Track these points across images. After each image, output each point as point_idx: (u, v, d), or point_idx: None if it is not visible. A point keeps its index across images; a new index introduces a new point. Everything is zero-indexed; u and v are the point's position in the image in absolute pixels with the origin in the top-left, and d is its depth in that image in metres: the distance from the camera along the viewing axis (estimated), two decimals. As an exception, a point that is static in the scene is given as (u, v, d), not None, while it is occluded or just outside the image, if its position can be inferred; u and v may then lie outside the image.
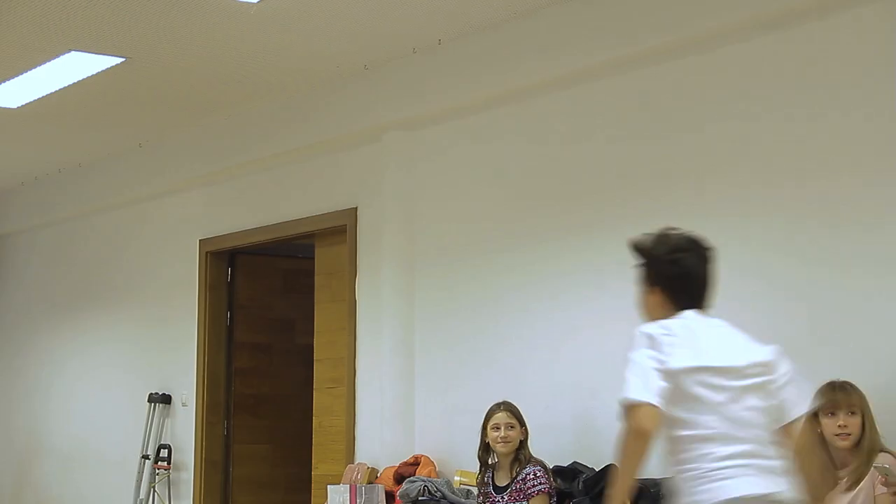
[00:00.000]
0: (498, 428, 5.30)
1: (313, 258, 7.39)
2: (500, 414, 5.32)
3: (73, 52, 6.43)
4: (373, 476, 6.45)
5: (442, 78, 6.36)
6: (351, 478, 6.48)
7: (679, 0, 5.26)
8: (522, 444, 5.27)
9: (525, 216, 5.99)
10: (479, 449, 5.40)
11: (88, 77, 6.86)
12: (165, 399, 8.25)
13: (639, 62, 5.47)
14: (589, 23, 5.62)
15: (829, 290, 4.71)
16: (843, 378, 4.27)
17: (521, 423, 5.30)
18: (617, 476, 3.36)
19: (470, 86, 6.21)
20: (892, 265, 4.53)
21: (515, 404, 5.39)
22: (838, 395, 4.20)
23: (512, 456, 5.26)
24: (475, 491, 5.59)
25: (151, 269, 8.71)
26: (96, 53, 6.47)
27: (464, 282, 6.29)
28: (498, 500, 5.21)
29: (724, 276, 5.05)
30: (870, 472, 4.04)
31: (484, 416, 5.42)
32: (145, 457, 8.27)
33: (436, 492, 5.78)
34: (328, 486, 6.31)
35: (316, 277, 7.33)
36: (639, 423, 3.22)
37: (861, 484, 4.07)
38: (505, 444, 5.28)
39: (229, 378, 8.08)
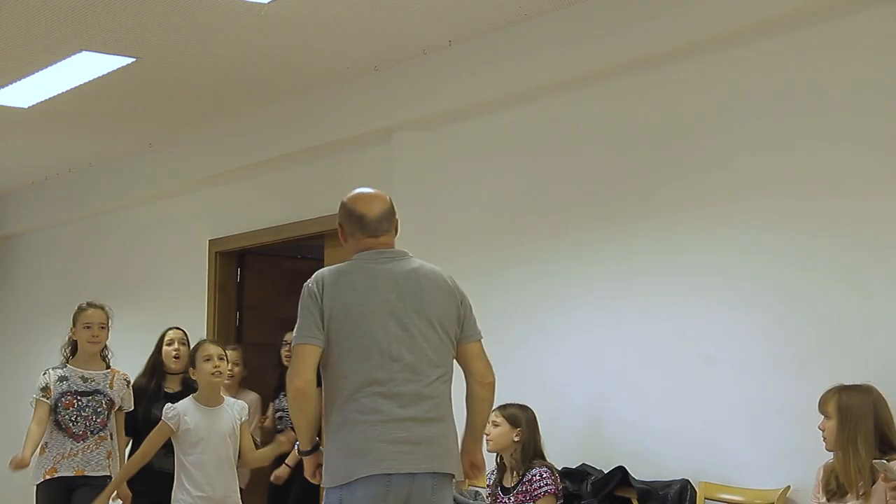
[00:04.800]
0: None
1: (322, 259, 7.39)
2: (492, 412, 5.33)
3: (83, 52, 6.45)
4: (381, 477, 6.43)
5: (452, 78, 6.36)
6: (359, 478, 6.45)
7: (691, 4, 5.25)
8: (517, 446, 5.24)
9: (535, 217, 5.99)
10: None
11: (99, 77, 6.87)
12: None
13: (650, 64, 5.46)
14: (599, 24, 5.62)
15: (838, 300, 4.70)
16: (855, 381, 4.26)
17: (514, 425, 5.25)
18: None
19: (480, 86, 6.21)
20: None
21: (527, 406, 5.35)
22: (820, 399, 4.23)
23: (511, 459, 5.25)
24: (484, 492, 5.59)
25: (161, 269, 8.73)
26: (107, 53, 6.48)
27: (473, 282, 6.26)
28: (505, 501, 5.20)
29: (737, 288, 5.07)
30: (881, 477, 4.03)
31: None
32: (154, 456, 8.22)
33: (444, 493, 5.76)
34: (336, 487, 6.29)
35: (325, 278, 7.32)
36: None
37: (874, 487, 4.05)
38: (487, 441, 5.27)
39: (238, 378, 8.09)
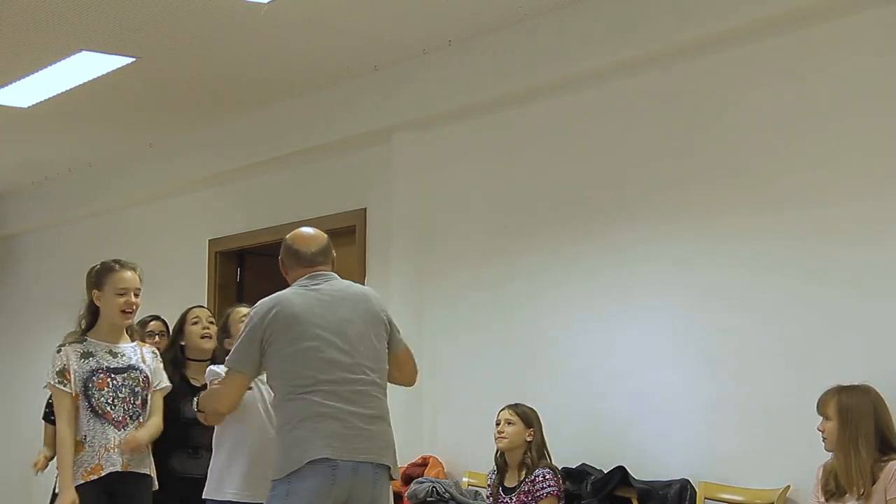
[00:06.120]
0: (497, 423, 5.30)
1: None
2: (502, 411, 5.32)
3: (83, 52, 6.44)
4: (381, 477, 6.42)
5: (451, 79, 6.36)
6: (359, 478, 6.45)
7: (690, 4, 5.24)
8: (529, 446, 5.23)
9: (535, 217, 5.99)
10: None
11: (99, 77, 6.87)
12: (175, 399, 8.17)
13: (649, 63, 5.46)
14: (599, 24, 5.62)
15: (838, 300, 4.69)
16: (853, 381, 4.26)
17: (528, 425, 5.25)
18: None
19: (479, 87, 6.21)
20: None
21: (530, 407, 5.33)
22: (819, 400, 4.23)
23: (519, 458, 5.24)
24: (484, 492, 5.58)
25: (160, 269, 8.71)
26: (107, 53, 6.48)
27: (473, 283, 6.29)
28: (506, 502, 5.20)
29: (737, 288, 5.07)
30: (881, 478, 4.04)
31: None
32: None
33: (444, 493, 5.77)
34: (336, 487, 6.28)
35: (325, 278, 7.33)
36: None
37: (874, 487, 4.06)
38: (500, 439, 5.26)
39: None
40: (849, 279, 4.66)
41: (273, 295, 4.31)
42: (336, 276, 4.41)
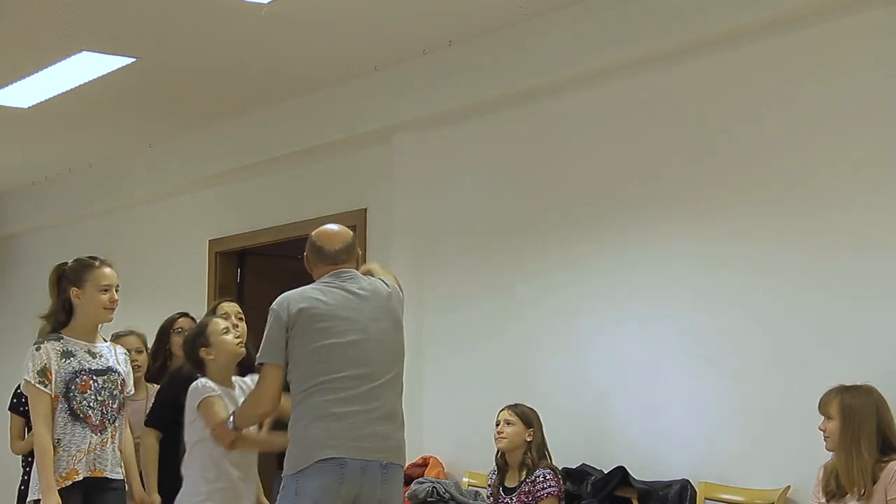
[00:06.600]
0: (497, 423, 5.30)
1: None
2: (502, 411, 5.31)
3: (84, 53, 6.45)
4: (381, 477, 6.41)
5: (452, 79, 6.36)
6: (359, 478, 6.44)
7: (690, 4, 5.24)
8: (529, 446, 5.23)
9: (535, 218, 5.99)
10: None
11: (99, 77, 6.87)
12: (175, 399, 8.16)
13: (650, 64, 5.46)
14: (599, 24, 5.62)
15: (839, 300, 4.69)
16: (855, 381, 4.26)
17: (528, 425, 5.25)
18: None
19: (480, 87, 6.21)
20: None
21: (530, 407, 5.33)
22: (821, 399, 4.23)
23: (519, 458, 5.24)
24: (484, 492, 5.58)
25: (161, 269, 8.73)
26: (107, 54, 6.48)
27: (473, 283, 6.29)
28: (507, 502, 5.20)
29: (738, 288, 5.07)
30: (881, 478, 4.04)
31: None
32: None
33: (444, 493, 5.77)
34: (336, 487, 6.27)
35: (325, 278, 7.33)
36: None
37: (874, 487, 4.06)
38: (500, 439, 5.26)
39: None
40: (849, 280, 4.66)
41: (297, 290, 4.30)
42: (359, 273, 4.39)
